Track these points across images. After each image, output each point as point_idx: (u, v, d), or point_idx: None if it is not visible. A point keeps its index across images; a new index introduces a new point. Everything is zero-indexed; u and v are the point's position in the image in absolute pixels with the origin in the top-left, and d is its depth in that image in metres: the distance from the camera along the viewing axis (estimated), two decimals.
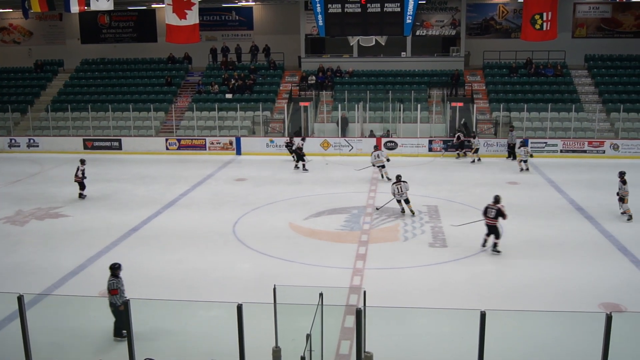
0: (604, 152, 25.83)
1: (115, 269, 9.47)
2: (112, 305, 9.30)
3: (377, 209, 17.25)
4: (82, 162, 18.91)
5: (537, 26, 22.51)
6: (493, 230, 13.42)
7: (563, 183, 20.72)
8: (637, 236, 14.64)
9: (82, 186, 18.86)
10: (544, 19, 22.29)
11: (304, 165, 23.27)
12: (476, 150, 24.70)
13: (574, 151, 25.88)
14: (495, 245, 13.39)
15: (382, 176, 21.10)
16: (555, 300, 10.93)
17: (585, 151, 25.68)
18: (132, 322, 5.89)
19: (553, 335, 9.20)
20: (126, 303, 6.88)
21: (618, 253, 13.56)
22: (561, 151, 25.61)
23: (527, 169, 22.54)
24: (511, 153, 25.32)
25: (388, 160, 21.03)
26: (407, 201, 16.53)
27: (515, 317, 9.63)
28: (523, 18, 23.52)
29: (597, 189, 19.69)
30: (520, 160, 22.83)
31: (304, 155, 23.43)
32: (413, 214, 16.53)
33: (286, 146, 25.22)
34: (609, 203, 17.50)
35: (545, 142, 26.06)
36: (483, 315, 5.95)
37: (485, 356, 5.98)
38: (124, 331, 9.36)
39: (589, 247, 13.94)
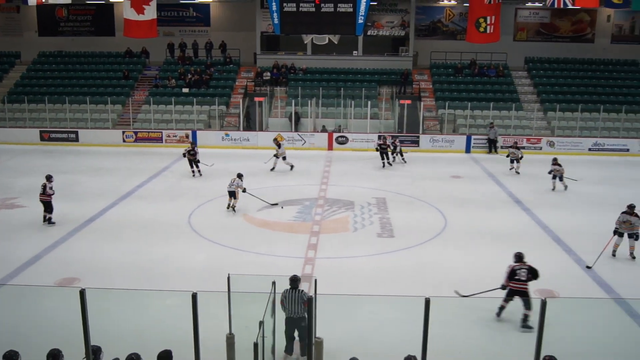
0: (540, 148, 27.52)
1: (293, 280, 8.71)
2: None
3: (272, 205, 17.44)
4: (49, 178, 15.72)
5: (482, 29, 23.79)
6: (524, 295, 9.91)
7: (502, 176, 22.08)
8: (570, 226, 15.66)
9: (50, 207, 15.48)
10: (488, 22, 23.58)
11: (396, 158, 24.46)
12: (519, 160, 22.82)
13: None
14: (526, 318, 9.74)
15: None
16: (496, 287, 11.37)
17: (523, 147, 27.28)
18: (87, 312, 5.78)
19: (495, 319, 10.00)
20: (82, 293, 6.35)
21: (552, 242, 14.49)
22: (501, 147, 27.04)
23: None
24: (491, 147, 27.19)
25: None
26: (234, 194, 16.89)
27: (458, 304, 10.29)
28: (468, 21, 24.76)
29: (533, 182, 20.91)
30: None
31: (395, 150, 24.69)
32: (229, 208, 16.82)
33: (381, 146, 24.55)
34: (543, 195, 18.96)
35: (486, 139, 27.60)
36: (427, 302, 6.10)
37: (429, 340, 6.19)
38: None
39: (527, 237, 14.64)
